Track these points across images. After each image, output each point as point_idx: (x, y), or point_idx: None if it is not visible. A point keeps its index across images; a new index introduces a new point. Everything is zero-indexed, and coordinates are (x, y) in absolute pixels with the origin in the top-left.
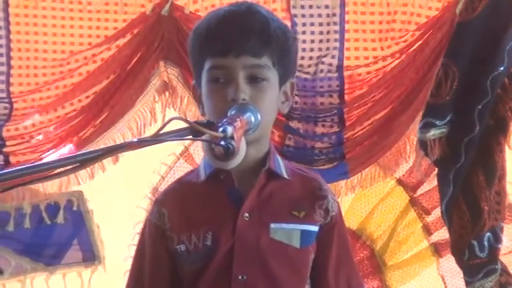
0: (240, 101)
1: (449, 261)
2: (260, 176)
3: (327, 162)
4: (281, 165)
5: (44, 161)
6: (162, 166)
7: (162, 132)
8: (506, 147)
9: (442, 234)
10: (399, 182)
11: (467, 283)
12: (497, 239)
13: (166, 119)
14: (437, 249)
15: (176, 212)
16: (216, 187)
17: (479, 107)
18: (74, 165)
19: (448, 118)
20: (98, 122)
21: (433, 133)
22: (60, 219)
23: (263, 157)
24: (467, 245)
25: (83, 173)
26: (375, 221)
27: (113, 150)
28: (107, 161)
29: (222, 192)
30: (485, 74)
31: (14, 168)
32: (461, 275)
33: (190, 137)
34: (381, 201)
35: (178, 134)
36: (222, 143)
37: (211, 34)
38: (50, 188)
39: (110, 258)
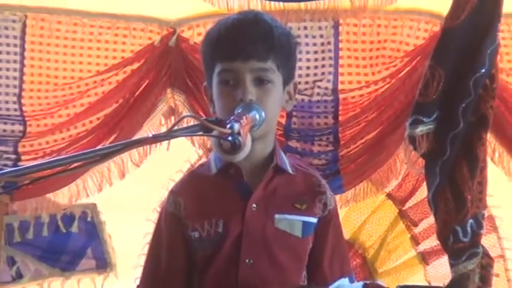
0: (247, 101)
1: (435, 269)
2: (267, 173)
3: (323, 177)
4: (286, 161)
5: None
6: (170, 182)
7: (176, 129)
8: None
9: (428, 243)
10: (389, 196)
11: (451, 265)
12: (479, 225)
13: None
14: (424, 258)
15: (191, 201)
16: (226, 180)
17: (463, 105)
18: (95, 159)
19: (434, 115)
20: (107, 142)
21: (421, 129)
22: (74, 228)
23: (269, 153)
24: (452, 231)
25: (92, 185)
26: (367, 231)
27: (131, 145)
28: (117, 177)
29: (232, 185)
30: (468, 76)
31: (38, 162)
32: (446, 280)
33: (201, 132)
34: (372, 214)
35: (190, 130)
36: (230, 138)
37: (221, 40)
38: (61, 199)
39: (121, 265)
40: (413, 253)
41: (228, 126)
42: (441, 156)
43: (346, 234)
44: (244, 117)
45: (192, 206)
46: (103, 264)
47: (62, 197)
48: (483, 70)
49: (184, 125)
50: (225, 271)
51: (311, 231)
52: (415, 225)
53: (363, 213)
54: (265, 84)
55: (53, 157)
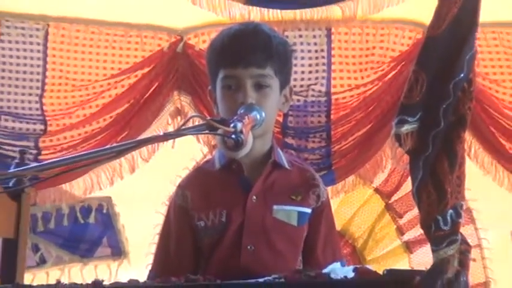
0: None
1: (418, 257)
2: (267, 167)
3: (317, 171)
4: (283, 157)
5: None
6: (177, 178)
7: (184, 128)
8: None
9: (412, 234)
10: (376, 190)
11: (433, 251)
12: (458, 215)
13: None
14: (408, 247)
15: (197, 194)
16: (229, 175)
17: (444, 106)
18: (111, 156)
19: (418, 115)
20: (119, 139)
21: (406, 128)
22: (92, 219)
23: (268, 150)
24: (434, 220)
25: (105, 179)
26: (356, 223)
27: (144, 143)
28: (128, 171)
29: (234, 179)
30: (448, 80)
31: (58, 159)
32: (428, 266)
33: (207, 131)
34: (361, 207)
35: (197, 129)
36: (233, 136)
37: (225, 49)
38: (77, 191)
39: (133, 253)
40: (399, 242)
41: (232, 125)
42: (424, 152)
43: (338, 225)
44: (246, 117)
45: (198, 198)
46: (117, 252)
47: (78, 189)
48: (462, 75)
49: (191, 124)
50: (229, 256)
51: (306, 221)
52: (400, 217)
53: (352, 207)
54: (263, 88)
55: (70, 152)
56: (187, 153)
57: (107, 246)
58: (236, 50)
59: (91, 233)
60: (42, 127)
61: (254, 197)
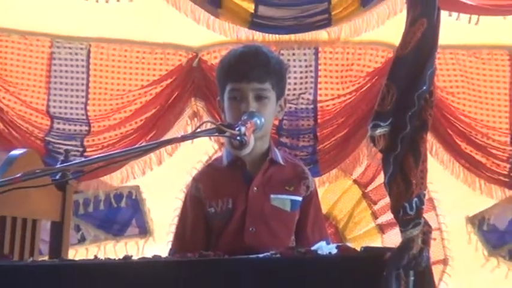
0: (249, 112)
1: (389, 237)
2: (265, 163)
3: (305, 165)
4: (278, 155)
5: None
6: (193, 170)
7: (198, 131)
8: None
9: (385, 218)
10: (355, 181)
11: (401, 232)
12: (421, 202)
13: (198, 126)
14: (381, 228)
15: (208, 186)
16: (234, 170)
17: (410, 113)
18: (138, 153)
19: (389, 121)
20: (148, 138)
21: (379, 131)
22: (123, 204)
23: (266, 149)
24: (402, 206)
25: (137, 171)
26: (338, 208)
27: (165, 143)
28: (155, 164)
29: (238, 173)
30: (413, 91)
31: (94, 156)
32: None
33: (217, 134)
34: (342, 195)
35: (209, 132)
36: (238, 138)
37: (231, 67)
38: (115, 181)
39: (157, 232)
40: (373, 225)
41: (237, 129)
42: (394, 151)
43: (323, 210)
44: (248, 122)
45: (209, 189)
46: (144, 231)
47: (116, 179)
48: (424, 87)
49: (204, 128)
50: (234, 237)
51: (297, 207)
52: (375, 203)
53: (335, 195)
54: (263, 100)
55: (109, 149)
56: (202, 150)
57: (136, 226)
58: (241, 68)
59: (122, 216)
60: (87, 128)
61: (255, 188)
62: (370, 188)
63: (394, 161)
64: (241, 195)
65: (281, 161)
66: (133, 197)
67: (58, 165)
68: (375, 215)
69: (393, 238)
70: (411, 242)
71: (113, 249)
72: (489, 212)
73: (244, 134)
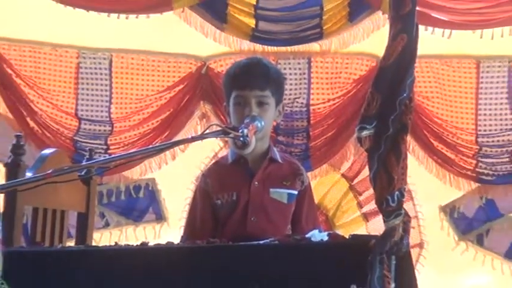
0: (252, 116)
1: (374, 224)
2: (265, 161)
3: (299, 160)
4: (277, 154)
5: (135, 149)
6: (202, 164)
7: (206, 132)
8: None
9: (369, 207)
10: (343, 175)
11: (384, 221)
12: (402, 195)
13: (207, 128)
14: (366, 217)
15: (215, 181)
16: (238, 166)
17: (392, 117)
18: (154, 152)
19: (373, 124)
20: (163, 137)
21: (365, 133)
22: (141, 194)
23: (266, 149)
24: (385, 199)
25: (154, 165)
26: (328, 198)
27: (177, 143)
28: (170, 159)
29: (242, 170)
30: (395, 98)
31: (119, 154)
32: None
33: (223, 135)
34: (332, 187)
35: (215, 133)
36: (241, 138)
37: (236, 76)
38: (134, 174)
39: (171, 218)
40: (359, 213)
41: (240, 131)
42: (378, 150)
43: (316, 200)
44: (250, 125)
45: (216, 184)
46: (160, 217)
47: (135, 172)
48: (405, 94)
49: (212, 130)
50: (238, 225)
51: (293, 200)
52: (360, 194)
53: (326, 187)
54: (264, 105)
55: (129, 147)
56: (209, 147)
57: (152, 213)
58: (244, 78)
59: (141, 204)
60: (110, 129)
61: (256, 183)
62: (356, 181)
63: (378, 159)
64: (244, 189)
65: (279, 159)
66: (150, 188)
67: (83, 163)
68: (360, 205)
69: (376, 225)
70: (393, 230)
71: (133, 233)
72: (459, 201)
73: (247, 136)
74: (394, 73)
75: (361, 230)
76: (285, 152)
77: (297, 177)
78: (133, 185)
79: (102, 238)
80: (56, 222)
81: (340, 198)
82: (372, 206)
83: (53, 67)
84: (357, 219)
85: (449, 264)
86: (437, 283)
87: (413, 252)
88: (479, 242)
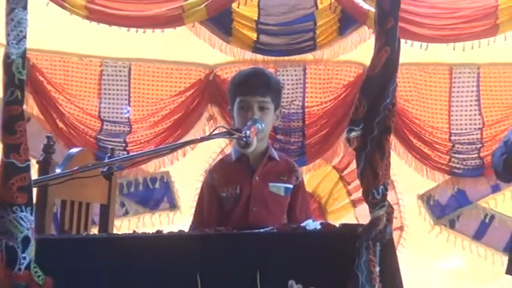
0: (253, 119)
1: (361, 210)
2: (265, 159)
3: (295, 156)
4: (275, 153)
5: (150, 149)
6: (210, 159)
7: (214, 133)
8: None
9: (356, 195)
10: (334, 167)
11: (370, 212)
12: (386, 189)
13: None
14: (354, 204)
15: (221, 176)
16: (241, 164)
17: (377, 120)
18: (167, 151)
19: (361, 126)
20: (175, 135)
21: (353, 134)
22: (157, 185)
23: (265, 148)
24: (371, 192)
25: (167, 162)
26: (321, 188)
27: (188, 143)
28: (181, 156)
29: (244, 166)
30: (380, 103)
31: (138, 153)
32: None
33: (228, 136)
34: (324, 178)
35: (221, 134)
36: (244, 139)
37: (240, 84)
38: (150, 168)
39: (183, 207)
40: (348, 200)
41: (243, 132)
42: (364, 149)
43: (309, 189)
44: (252, 127)
45: (222, 178)
46: (173, 206)
47: (151, 166)
48: (388, 100)
49: (218, 131)
50: (241, 216)
51: (289, 193)
52: (349, 184)
53: (319, 177)
54: (264, 110)
55: (145, 145)
56: (216, 144)
57: (167, 202)
58: (247, 85)
59: (156, 194)
60: (128, 129)
61: (257, 178)
62: (345, 172)
63: (365, 157)
64: (247, 183)
65: (277, 157)
66: (165, 180)
67: (105, 161)
68: (349, 193)
69: (363, 211)
70: (378, 220)
71: (149, 220)
72: (434, 191)
73: (249, 136)
74: (379, 81)
75: (350, 215)
76: (283, 149)
77: (292, 173)
78: (150, 177)
79: (122, 225)
80: (82, 213)
81: (332, 188)
82: (359, 194)
83: (79, 74)
84: (346, 206)
85: (426, 245)
86: (416, 262)
87: (395, 234)
88: (452, 225)
